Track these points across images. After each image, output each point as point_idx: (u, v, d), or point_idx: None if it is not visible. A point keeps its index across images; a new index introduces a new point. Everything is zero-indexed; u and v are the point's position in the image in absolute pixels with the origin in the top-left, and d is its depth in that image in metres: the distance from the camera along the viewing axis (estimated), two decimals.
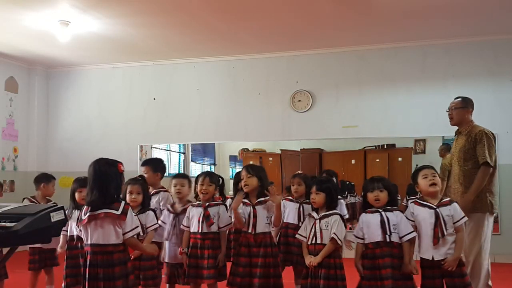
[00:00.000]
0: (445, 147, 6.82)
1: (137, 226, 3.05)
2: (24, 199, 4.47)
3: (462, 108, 4.15)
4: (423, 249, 3.24)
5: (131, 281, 2.99)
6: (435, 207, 3.22)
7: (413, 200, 3.43)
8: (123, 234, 2.96)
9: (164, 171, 4.39)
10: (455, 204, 3.26)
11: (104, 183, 2.94)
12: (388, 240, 3.22)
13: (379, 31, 6.29)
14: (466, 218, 3.27)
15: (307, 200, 4.11)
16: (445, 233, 3.15)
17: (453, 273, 3.14)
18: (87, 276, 2.90)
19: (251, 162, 7.83)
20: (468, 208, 3.68)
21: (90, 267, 2.90)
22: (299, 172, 4.84)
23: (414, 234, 3.26)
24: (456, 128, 4.25)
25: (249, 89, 7.32)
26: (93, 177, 2.97)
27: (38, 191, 4.52)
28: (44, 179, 4.54)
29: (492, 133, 3.98)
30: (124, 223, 2.94)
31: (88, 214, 2.90)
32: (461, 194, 3.88)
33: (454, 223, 3.19)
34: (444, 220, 3.17)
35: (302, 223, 4.02)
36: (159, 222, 3.87)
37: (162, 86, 7.68)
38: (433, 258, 3.18)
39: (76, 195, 3.87)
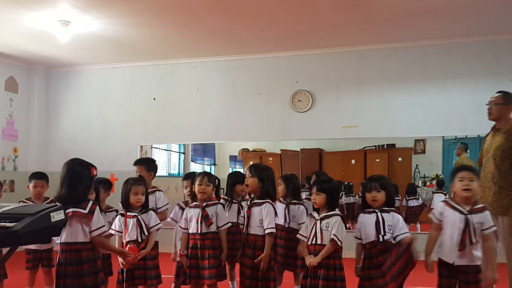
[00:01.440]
0: (463, 146, 6.79)
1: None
2: (19, 202, 4.45)
3: (503, 105, 3.96)
4: (445, 252, 3.17)
5: (100, 279, 3.07)
6: (466, 212, 3.11)
7: (443, 200, 3.35)
8: (90, 233, 3.04)
9: (156, 171, 4.42)
10: (487, 212, 3.16)
11: (73, 182, 3.05)
12: (381, 240, 3.24)
13: (379, 31, 6.29)
14: (495, 228, 3.18)
15: (294, 201, 4.12)
16: (473, 241, 3.07)
17: (469, 278, 3.09)
18: (56, 274, 2.99)
19: (251, 162, 7.85)
20: None
21: (59, 265, 2.99)
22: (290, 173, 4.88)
23: (407, 235, 3.24)
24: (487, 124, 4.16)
25: (249, 89, 7.32)
26: (64, 175, 3.07)
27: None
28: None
29: None
30: (90, 222, 3.01)
31: None
32: (493, 193, 3.81)
33: (482, 230, 3.10)
34: (474, 228, 3.08)
35: (288, 224, 4.05)
36: (168, 219, 3.93)
37: (162, 86, 7.67)
38: (453, 263, 3.12)
39: None
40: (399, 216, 3.32)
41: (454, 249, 3.11)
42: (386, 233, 3.24)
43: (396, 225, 3.28)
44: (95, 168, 3.14)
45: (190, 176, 4.04)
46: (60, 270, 2.97)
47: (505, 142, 3.80)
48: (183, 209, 3.94)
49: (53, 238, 3.00)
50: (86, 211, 3.01)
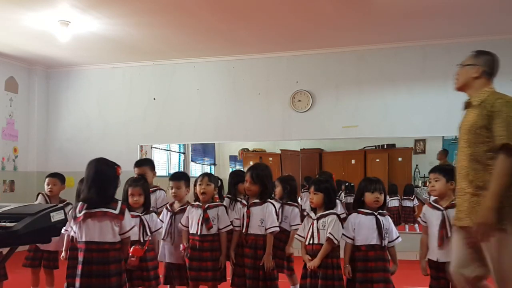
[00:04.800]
0: (443, 152, 6.89)
1: (134, 226, 3.14)
2: (38, 194, 4.48)
3: (471, 66, 2.83)
4: (430, 250, 3.24)
5: (123, 279, 3.05)
6: (442, 208, 3.21)
7: (428, 202, 3.45)
8: (123, 233, 3.01)
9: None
10: None
11: (103, 183, 3.00)
12: (383, 244, 3.26)
13: (379, 31, 6.29)
14: None
15: (289, 202, 4.13)
16: (449, 234, 3.10)
17: None
18: (79, 272, 2.92)
19: (251, 163, 7.85)
20: (492, 223, 2.51)
21: (84, 264, 2.93)
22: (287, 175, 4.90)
23: (400, 240, 3.35)
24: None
25: (249, 89, 7.32)
26: (92, 175, 3.02)
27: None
28: None
29: None
30: (121, 223, 2.99)
31: (84, 212, 2.94)
32: (470, 196, 2.67)
33: None
34: (449, 222, 3.12)
35: (280, 223, 4.07)
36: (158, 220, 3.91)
37: (162, 86, 7.67)
38: (437, 259, 3.18)
39: None
40: (391, 220, 3.40)
41: (437, 246, 3.18)
42: (385, 237, 3.29)
43: (390, 229, 3.34)
44: (120, 167, 3.12)
45: (178, 177, 3.98)
46: (86, 269, 2.93)
47: (478, 119, 2.67)
48: (169, 211, 3.93)
49: (54, 239, 2.99)
50: (117, 212, 2.98)
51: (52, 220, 2.82)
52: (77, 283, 2.94)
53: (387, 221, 3.35)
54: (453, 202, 3.19)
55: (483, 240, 2.53)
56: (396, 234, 3.35)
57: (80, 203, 3.01)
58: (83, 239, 2.98)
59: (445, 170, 3.28)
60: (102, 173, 3.02)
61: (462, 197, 2.72)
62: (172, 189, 3.89)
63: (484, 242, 2.54)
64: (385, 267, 3.26)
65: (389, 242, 3.32)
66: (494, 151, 2.57)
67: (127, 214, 3.05)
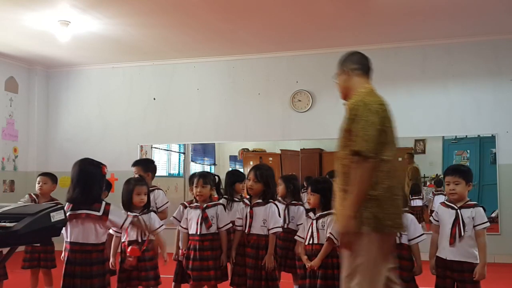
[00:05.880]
0: (409, 156, 7.00)
1: (128, 217, 3.19)
2: (27, 194, 4.45)
3: (340, 74, 2.83)
4: (440, 248, 3.23)
5: (107, 280, 3.08)
6: (457, 207, 3.19)
7: (441, 202, 3.41)
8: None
9: (155, 171, 4.43)
10: (479, 208, 3.20)
11: (87, 182, 3.04)
12: (398, 242, 3.23)
13: (379, 31, 6.29)
14: (488, 224, 3.17)
15: (293, 202, 4.13)
16: (463, 233, 3.11)
17: (465, 277, 3.11)
18: (64, 272, 2.99)
19: (251, 163, 7.85)
20: (353, 231, 2.43)
21: (68, 264, 2.98)
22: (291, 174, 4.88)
23: (424, 237, 3.28)
24: None
25: (249, 89, 7.32)
26: (77, 176, 3.06)
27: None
28: None
29: (381, 103, 2.75)
30: (107, 224, 3.04)
31: (69, 213, 2.97)
32: (340, 201, 2.58)
33: (474, 226, 3.14)
34: (463, 221, 3.13)
35: (288, 224, 4.05)
36: (171, 218, 3.94)
37: (162, 86, 7.67)
38: (446, 257, 3.16)
39: None
40: (412, 217, 3.33)
41: (448, 245, 3.16)
42: (402, 235, 3.24)
43: (409, 226, 3.26)
44: (105, 166, 3.13)
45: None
46: (69, 269, 2.97)
47: (344, 122, 2.59)
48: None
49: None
50: (100, 213, 3.00)
51: (52, 220, 2.82)
52: (61, 283, 2.98)
53: (406, 219, 3.29)
54: (469, 202, 3.22)
55: (348, 248, 2.45)
56: (419, 232, 3.28)
57: (67, 203, 3.04)
58: (69, 240, 3.03)
59: (465, 172, 3.24)
60: (86, 172, 3.04)
61: (336, 201, 2.62)
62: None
63: (349, 250, 2.46)
64: (402, 265, 3.20)
65: (409, 240, 3.27)
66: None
67: (113, 212, 3.06)
